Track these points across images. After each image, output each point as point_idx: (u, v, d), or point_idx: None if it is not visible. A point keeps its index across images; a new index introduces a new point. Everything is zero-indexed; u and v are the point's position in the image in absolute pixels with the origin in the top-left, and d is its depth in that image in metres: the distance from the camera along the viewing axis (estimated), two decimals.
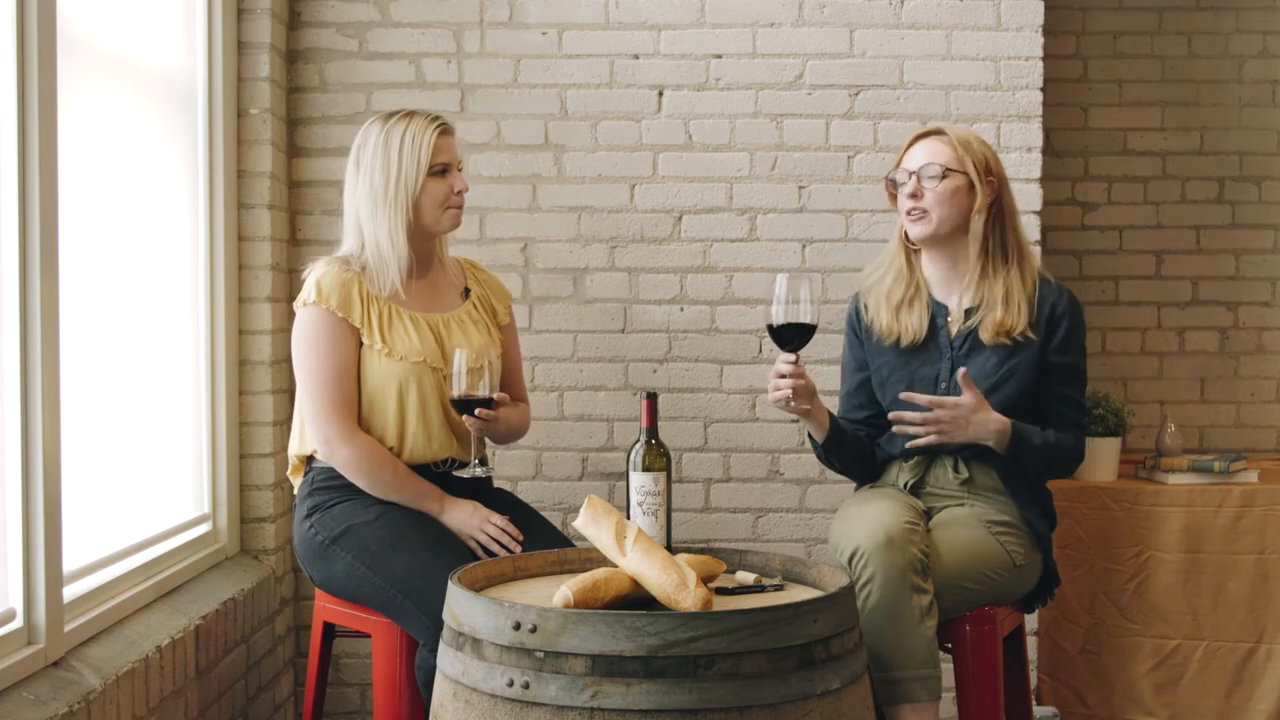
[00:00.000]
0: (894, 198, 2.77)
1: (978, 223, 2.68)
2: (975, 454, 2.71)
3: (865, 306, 2.83)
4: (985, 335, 2.68)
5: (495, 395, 2.60)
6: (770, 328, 2.52)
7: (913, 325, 2.74)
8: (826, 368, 3.33)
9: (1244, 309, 4.25)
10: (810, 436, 2.78)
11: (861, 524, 2.52)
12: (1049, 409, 2.70)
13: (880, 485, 2.82)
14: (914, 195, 2.68)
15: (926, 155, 2.69)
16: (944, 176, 2.66)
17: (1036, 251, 3.40)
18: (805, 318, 2.49)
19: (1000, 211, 2.71)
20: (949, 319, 2.75)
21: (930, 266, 2.78)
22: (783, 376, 2.55)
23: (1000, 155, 3.32)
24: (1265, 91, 4.24)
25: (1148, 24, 4.25)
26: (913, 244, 2.77)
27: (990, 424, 2.60)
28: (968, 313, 2.72)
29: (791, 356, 2.54)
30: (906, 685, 2.45)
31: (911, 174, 2.69)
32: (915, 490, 2.78)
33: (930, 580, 2.50)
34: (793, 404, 2.58)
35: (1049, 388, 2.70)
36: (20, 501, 2.17)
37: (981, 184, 2.67)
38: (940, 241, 2.71)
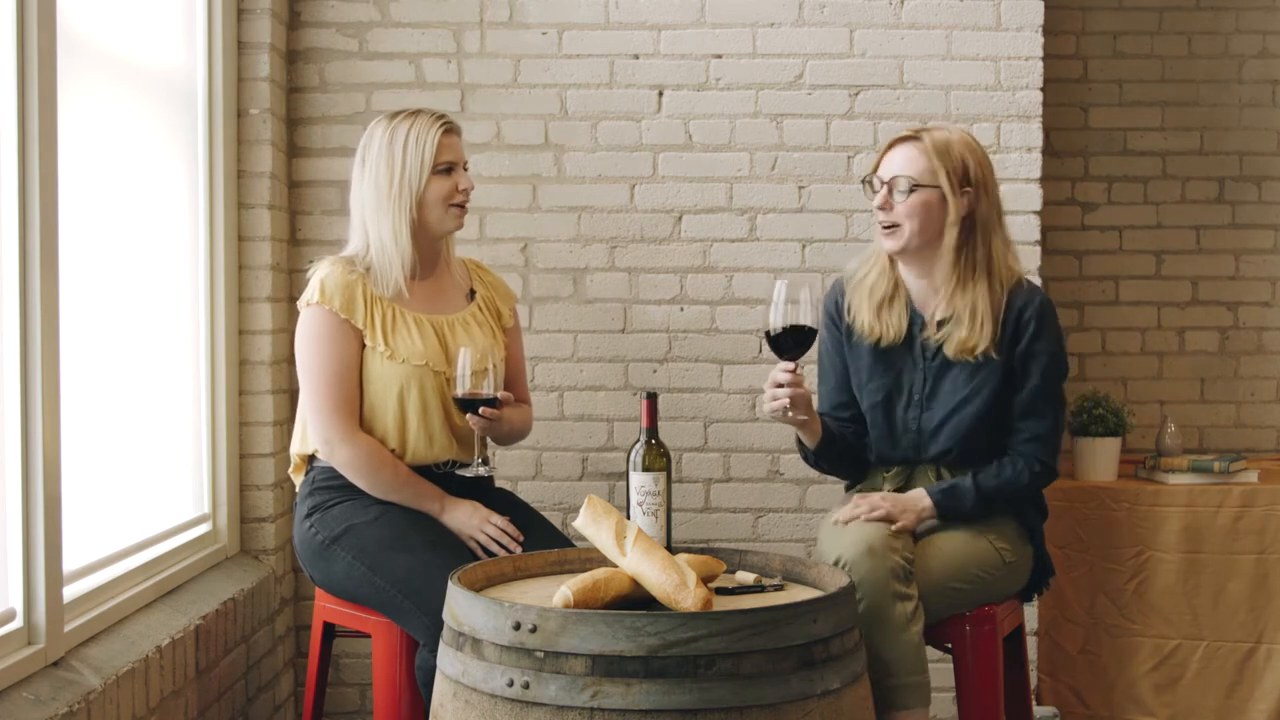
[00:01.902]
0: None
1: (950, 236, 2.59)
2: (955, 462, 2.68)
3: (848, 304, 2.75)
4: (949, 350, 2.63)
5: (500, 394, 2.59)
6: (768, 335, 2.47)
7: (893, 325, 2.67)
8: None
9: (1244, 309, 4.25)
10: (799, 441, 2.75)
11: (845, 533, 2.52)
12: (1009, 433, 2.66)
13: (867, 490, 2.79)
14: (883, 207, 2.61)
15: (899, 165, 2.60)
16: (912, 191, 2.58)
17: (1034, 253, 3.39)
18: (805, 324, 2.44)
19: (974, 223, 2.61)
20: (924, 329, 2.68)
21: (906, 274, 2.71)
22: (780, 386, 2.51)
23: (1000, 155, 3.34)
24: (1265, 91, 4.24)
25: (1148, 24, 4.25)
26: (889, 253, 2.69)
27: (922, 503, 2.61)
28: (939, 325, 2.66)
29: (790, 365, 2.50)
30: (895, 692, 2.44)
31: (884, 183, 2.62)
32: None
33: (914, 585, 2.49)
34: (790, 414, 2.54)
35: (1009, 410, 2.64)
36: (20, 501, 2.17)
37: (956, 196, 2.58)
38: (912, 254, 2.64)
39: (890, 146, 2.65)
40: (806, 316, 2.44)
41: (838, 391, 2.81)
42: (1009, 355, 2.62)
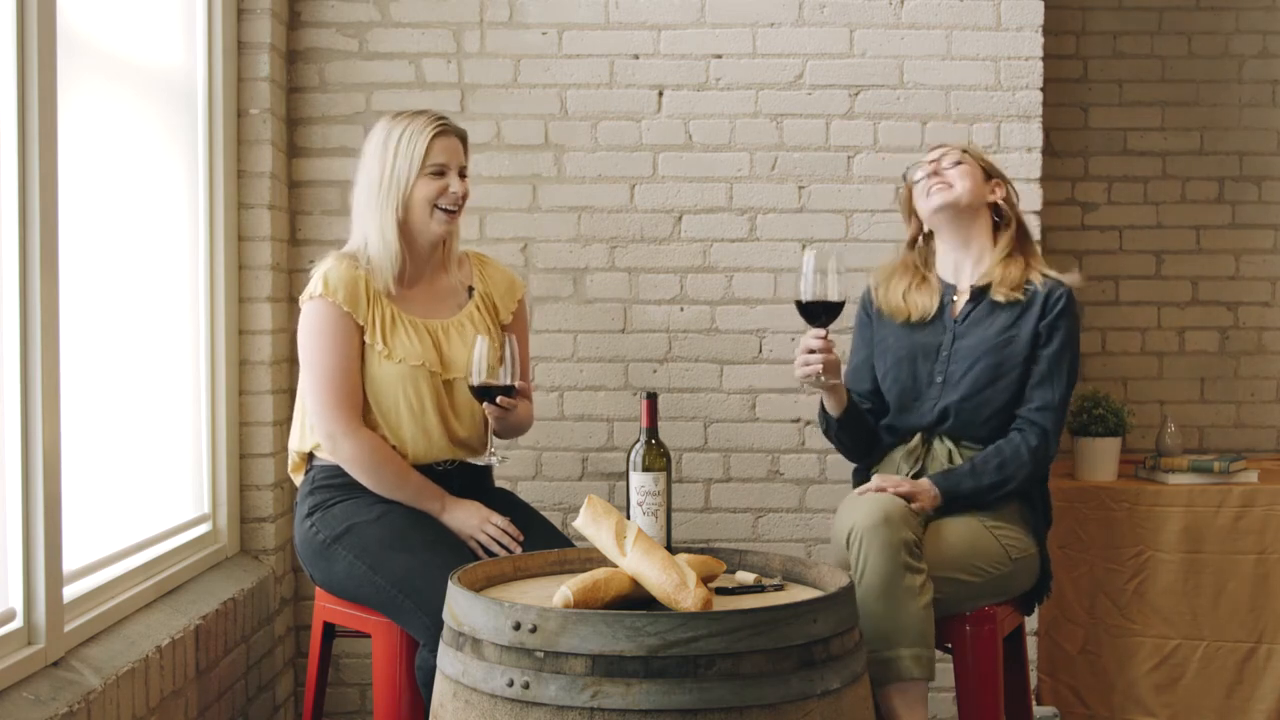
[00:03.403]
0: (908, 203, 2.91)
1: (985, 209, 2.83)
2: (970, 413, 2.75)
3: (875, 294, 2.91)
4: (999, 295, 2.76)
5: (517, 383, 2.56)
6: (799, 304, 2.56)
7: (921, 303, 2.83)
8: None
9: (1244, 309, 4.25)
10: (822, 410, 2.83)
11: (860, 506, 2.58)
12: (1020, 403, 2.77)
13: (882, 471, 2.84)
14: (934, 174, 2.82)
15: (943, 151, 2.87)
16: (958, 163, 2.82)
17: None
18: (833, 293, 2.54)
19: (1007, 213, 2.86)
20: (955, 297, 2.83)
21: (942, 245, 2.87)
22: (812, 352, 2.61)
23: (1000, 155, 3.37)
24: (1265, 91, 4.24)
25: (1148, 24, 4.25)
26: (937, 211, 2.83)
27: (932, 490, 2.69)
28: (974, 289, 2.80)
29: (821, 332, 2.59)
30: (898, 663, 2.46)
31: (931, 163, 2.84)
32: None
33: (924, 564, 2.54)
34: (823, 379, 2.63)
35: (1025, 381, 2.76)
36: (20, 501, 2.17)
37: (985, 182, 2.85)
38: (958, 214, 2.80)
39: (931, 151, 2.94)
40: (835, 286, 2.54)
41: (861, 367, 2.94)
42: (1036, 323, 2.75)
